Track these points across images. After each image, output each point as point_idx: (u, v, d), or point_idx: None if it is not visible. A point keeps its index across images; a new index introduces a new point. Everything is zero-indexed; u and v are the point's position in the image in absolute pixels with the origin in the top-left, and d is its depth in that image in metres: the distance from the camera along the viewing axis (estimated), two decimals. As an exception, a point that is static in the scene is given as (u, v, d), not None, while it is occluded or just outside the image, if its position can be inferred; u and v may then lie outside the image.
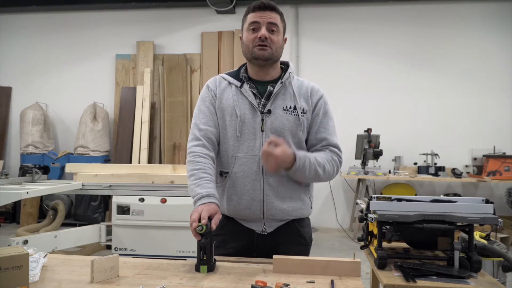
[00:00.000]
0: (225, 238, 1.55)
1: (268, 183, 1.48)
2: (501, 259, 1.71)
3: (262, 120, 1.49)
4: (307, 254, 1.57)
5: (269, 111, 1.49)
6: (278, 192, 1.49)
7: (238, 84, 1.54)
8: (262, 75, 1.56)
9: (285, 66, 1.62)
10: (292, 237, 1.54)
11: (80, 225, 4.63)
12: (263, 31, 1.46)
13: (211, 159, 1.48)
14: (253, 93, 1.52)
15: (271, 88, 1.52)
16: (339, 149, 1.56)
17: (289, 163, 1.40)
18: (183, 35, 6.29)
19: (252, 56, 1.50)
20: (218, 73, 6.12)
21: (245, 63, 1.62)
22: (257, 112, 1.50)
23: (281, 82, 1.53)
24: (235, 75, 1.59)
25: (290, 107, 1.51)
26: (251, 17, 1.50)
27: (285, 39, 1.57)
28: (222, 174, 1.55)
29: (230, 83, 1.57)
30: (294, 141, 1.51)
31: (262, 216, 1.50)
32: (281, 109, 1.50)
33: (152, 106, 6.05)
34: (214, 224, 1.28)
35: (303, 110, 1.52)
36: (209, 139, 1.51)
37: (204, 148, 1.48)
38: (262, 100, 1.51)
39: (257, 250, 1.52)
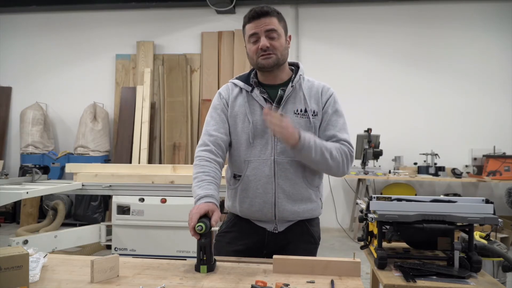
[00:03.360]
0: (236, 235, 1.58)
1: (280, 186, 1.50)
2: (501, 259, 1.71)
3: None
4: (315, 252, 1.60)
5: (281, 116, 1.49)
6: (289, 195, 1.51)
7: (249, 89, 1.55)
8: (272, 79, 1.56)
9: (295, 67, 1.61)
10: (302, 236, 1.57)
11: (80, 225, 4.63)
12: (263, 41, 1.45)
13: (217, 164, 1.49)
14: (264, 98, 1.53)
15: (282, 92, 1.52)
16: (350, 144, 1.52)
17: (295, 140, 1.37)
18: (183, 35, 6.29)
19: (258, 66, 1.52)
20: (218, 73, 6.19)
21: None
22: None
23: (291, 86, 1.52)
24: (246, 79, 1.59)
25: (301, 110, 1.51)
26: (248, 28, 1.50)
27: (289, 37, 1.56)
28: (235, 176, 1.58)
29: (241, 88, 1.57)
30: None
31: (273, 218, 1.52)
32: (292, 113, 1.51)
33: (152, 106, 6.05)
34: (214, 221, 1.28)
35: (313, 112, 1.52)
36: (218, 145, 1.52)
37: (211, 153, 1.49)
38: (273, 104, 1.52)
39: (267, 248, 1.54)
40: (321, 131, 1.54)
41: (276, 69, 1.52)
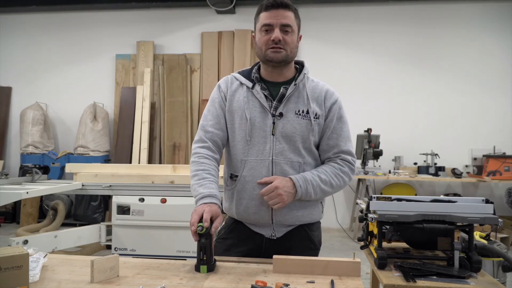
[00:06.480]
0: (233, 242, 1.54)
1: None
2: (501, 259, 1.71)
3: (273, 123, 1.45)
4: None
5: (281, 114, 1.44)
6: None
7: (250, 85, 1.49)
8: (276, 76, 1.50)
9: (299, 65, 1.55)
10: (302, 242, 1.52)
11: (80, 225, 4.63)
12: (277, 33, 1.39)
13: (215, 161, 1.47)
14: (264, 95, 1.47)
15: (284, 90, 1.46)
16: (352, 155, 1.51)
17: (292, 194, 1.39)
18: (183, 35, 6.29)
19: (265, 58, 1.45)
20: (218, 74, 6.18)
21: (258, 62, 1.56)
22: (268, 115, 1.45)
23: (294, 84, 1.47)
24: (248, 74, 1.53)
25: (303, 111, 1.45)
26: (263, 17, 1.43)
27: (300, 37, 1.50)
28: (232, 177, 1.52)
29: (242, 83, 1.52)
30: (305, 146, 1.47)
31: (270, 222, 1.47)
32: (293, 112, 1.45)
33: (152, 106, 6.05)
34: (214, 228, 1.27)
35: (315, 114, 1.46)
36: (214, 141, 1.49)
37: (209, 150, 1.47)
38: (274, 102, 1.46)
39: (265, 255, 1.48)
40: (324, 139, 1.50)
41: (282, 66, 1.47)
